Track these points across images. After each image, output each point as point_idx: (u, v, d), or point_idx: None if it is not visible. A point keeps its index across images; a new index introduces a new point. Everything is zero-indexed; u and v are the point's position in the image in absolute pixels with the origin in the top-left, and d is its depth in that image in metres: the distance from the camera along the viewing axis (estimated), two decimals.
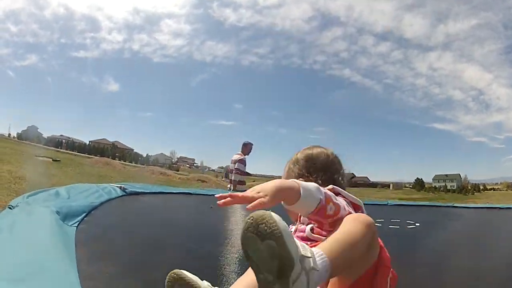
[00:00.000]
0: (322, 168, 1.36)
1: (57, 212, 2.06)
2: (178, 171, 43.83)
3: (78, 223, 2.16)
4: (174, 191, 4.67)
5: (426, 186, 62.74)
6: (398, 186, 68.18)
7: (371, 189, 58.64)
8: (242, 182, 6.18)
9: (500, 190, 55.57)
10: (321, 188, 1.04)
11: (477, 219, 4.75)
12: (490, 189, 58.34)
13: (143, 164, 48.19)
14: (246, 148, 6.34)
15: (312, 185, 1.02)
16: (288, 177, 1.37)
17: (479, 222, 4.60)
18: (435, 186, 62.82)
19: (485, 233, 3.72)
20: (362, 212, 1.17)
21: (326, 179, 1.33)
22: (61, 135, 65.84)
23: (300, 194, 0.97)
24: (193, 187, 19.51)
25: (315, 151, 1.42)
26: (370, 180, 70.78)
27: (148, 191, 4.13)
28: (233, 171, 6.21)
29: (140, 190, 3.96)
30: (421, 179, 65.59)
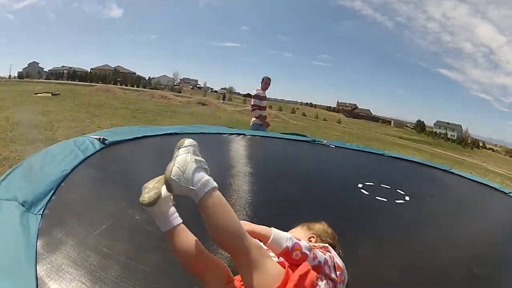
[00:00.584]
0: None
1: (23, 203, 1.88)
2: (180, 92, 43.51)
3: (43, 208, 1.93)
4: (160, 133, 4.12)
5: (426, 129, 62.78)
6: (399, 124, 68.41)
7: (372, 122, 58.86)
8: (259, 117, 6.53)
9: (499, 153, 55.82)
10: (295, 239, 1.31)
11: (476, 199, 4.38)
12: (489, 149, 58.57)
13: (145, 87, 47.55)
14: (262, 82, 6.61)
15: (285, 236, 1.31)
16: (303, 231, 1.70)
17: (478, 203, 4.27)
18: (435, 131, 62.84)
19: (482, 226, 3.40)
20: (341, 274, 1.41)
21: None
22: (63, 66, 65.08)
23: (268, 240, 1.28)
24: (193, 110, 19.97)
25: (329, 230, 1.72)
26: (372, 114, 70.70)
27: (131, 137, 3.61)
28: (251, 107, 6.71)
29: (121, 138, 3.46)
30: (423, 121, 65.48)
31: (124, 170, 2.92)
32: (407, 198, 3.50)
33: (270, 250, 1.33)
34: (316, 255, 1.33)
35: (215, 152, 4.04)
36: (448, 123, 64.48)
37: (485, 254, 2.60)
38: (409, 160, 5.79)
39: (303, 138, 5.82)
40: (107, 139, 3.19)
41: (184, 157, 1.20)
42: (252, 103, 6.70)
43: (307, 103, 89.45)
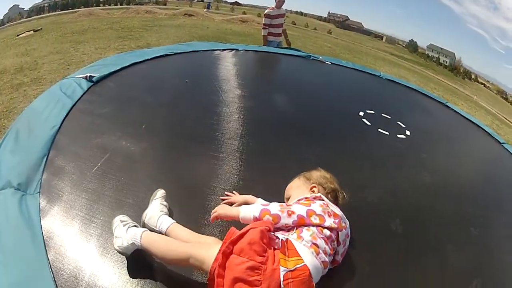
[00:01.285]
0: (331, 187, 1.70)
1: (18, 187, 1.78)
2: (165, 5, 40.40)
3: (39, 182, 1.85)
4: (148, 57, 3.64)
5: (419, 50, 61.85)
6: (391, 40, 66.82)
7: (364, 36, 57.17)
8: (271, 34, 6.40)
9: (491, 90, 55.95)
10: (262, 207, 1.48)
11: (472, 143, 4.24)
12: (481, 83, 58.65)
13: (129, 4, 42.86)
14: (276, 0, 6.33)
15: (252, 209, 1.48)
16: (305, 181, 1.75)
17: (473, 146, 4.14)
18: (428, 54, 62.04)
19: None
20: (340, 220, 1.51)
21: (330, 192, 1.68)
22: (43, 0, 55.72)
23: (239, 218, 1.48)
24: (180, 22, 18.57)
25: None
26: (364, 27, 68.50)
27: (119, 67, 3.19)
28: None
29: (108, 71, 3.04)
30: (416, 42, 64.21)
31: (118, 108, 2.65)
32: (407, 132, 3.37)
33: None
34: (292, 211, 1.45)
35: (207, 71, 3.72)
36: (441, 48, 63.42)
37: (476, 196, 2.77)
38: (406, 86, 5.56)
39: (298, 53, 5.41)
40: (94, 76, 2.88)
41: (117, 228, 1.52)
42: (263, 22, 6.45)
43: (297, 11, 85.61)
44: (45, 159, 1.98)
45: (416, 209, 2.30)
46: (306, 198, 1.60)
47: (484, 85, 58.00)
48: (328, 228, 1.45)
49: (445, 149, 3.46)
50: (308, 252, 1.34)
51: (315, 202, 1.54)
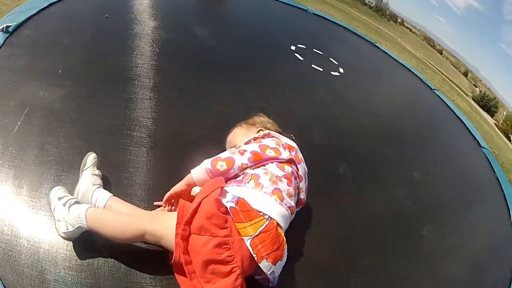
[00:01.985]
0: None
1: None
2: None
3: None
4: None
5: None
6: None
7: None
8: None
9: (417, 36, 58.34)
10: (210, 159, 1.30)
11: (402, 84, 4.28)
12: (408, 28, 60.88)
13: None
14: None
15: (202, 165, 1.28)
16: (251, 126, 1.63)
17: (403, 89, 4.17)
18: None
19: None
20: (296, 152, 1.44)
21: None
22: None
23: (194, 183, 1.29)
24: None
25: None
26: None
27: (35, 11, 2.52)
28: None
29: (25, 18, 2.42)
30: None
31: (35, 57, 2.08)
32: (341, 70, 3.24)
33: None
34: (244, 149, 1.34)
35: (129, 2, 3.06)
36: None
37: (414, 139, 2.90)
38: (334, 22, 5.38)
39: None
40: (10, 25, 2.29)
41: (57, 209, 1.21)
42: None
43: None
44: None
45: (361, 152, 2.30)
46: (254, 138, 1.48)
47: (411, 30, 60.69)
48: (286, 162, 1.35)
49: (380, 90, 3.45)
50: (271, 201, 1.22)
51: (265, 138, 1.45)
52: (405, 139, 2.79)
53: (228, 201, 1.16)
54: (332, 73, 3.11)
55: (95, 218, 1.16)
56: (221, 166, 1.27)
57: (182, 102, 1.98)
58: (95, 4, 2.91)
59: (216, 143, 1.63)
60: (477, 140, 3.63)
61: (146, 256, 1.23)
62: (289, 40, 3.41)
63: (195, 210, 1.10)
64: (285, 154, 1.36)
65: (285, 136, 1.55)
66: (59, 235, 1.17)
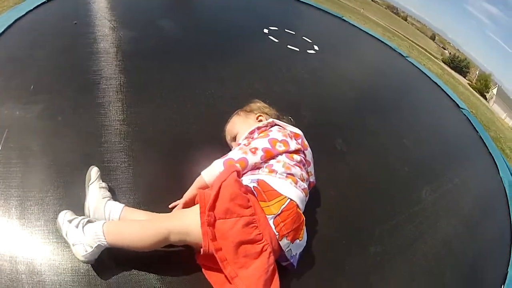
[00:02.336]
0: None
1: None
2: None
3: None
4: (31, 7, 2.63)
5: None
6: None
7: None
8: None
9: (380, 5, 58.59)
10: (223, 159, 1.28)
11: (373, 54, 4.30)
12: None
13: None
14: None
15: (214, 168, 1.26)
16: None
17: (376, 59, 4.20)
18: None
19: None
20: (302, 139, 1.45)
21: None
22: None
23: (207, 185, 1.25)
24: None
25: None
26: None
27: (3, 28, 2.32)
28: None
29: None
30: None
31: (6, 76, 1.91)
32: (316, 47, 3.23)
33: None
34: (255, 147, 1.32)
35: (97, 6, 2.89)
36: None
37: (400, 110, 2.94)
38: (299, 1, 5.32)
39: None
40: None
41: (70, 233, 1.11)
42: None
43: None
44: None
45: (352, 126, 2.35)
46: (258, 128, 1.46)
47: (372, 0, 61.03)
48: (295, 152, 1.37)
49: (356, 63, 3.49)
50: (286, 184, 1.23)
51: (271, 130, 1.44)
52: (389, 108, 2.86)
53: (248, 183, 1.18)
54: (308, 51, 3.11)
55: (114, 231, 1.10)
56: (234, 166, 1.25)
57: (168, 99, 1.91)
58: (60, 12, 2.80)
59: (211, 137, 1.63)
60: (456, 102, 3.73)
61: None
62: (260, 24, 3.37)
63: (216, 195, 1.09)
64: (293, 145, 1.36)
65: (284, 120, 1.56)
66: (79, 259, 1.09)
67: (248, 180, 1.22)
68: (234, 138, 1.55)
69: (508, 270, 1.80)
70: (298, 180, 1.27)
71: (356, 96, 2.74)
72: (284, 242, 1.13)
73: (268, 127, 1.47)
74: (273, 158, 1.31)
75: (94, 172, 1.28)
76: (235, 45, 2.85)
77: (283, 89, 2.41)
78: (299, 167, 1.32)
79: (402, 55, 4.46)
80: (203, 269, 1.15)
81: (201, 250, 1.07)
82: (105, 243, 1.07)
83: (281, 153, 1.32)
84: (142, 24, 2.67)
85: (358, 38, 4.57)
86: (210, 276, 1.13)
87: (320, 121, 2.21)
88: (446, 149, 2.71)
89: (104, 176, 1.34)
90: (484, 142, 3.11)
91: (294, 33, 3.40)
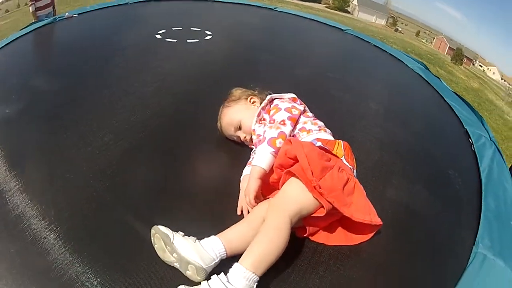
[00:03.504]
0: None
1: None
2: None
3: None
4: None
5: None
6: None
7: None
8: (39, 8, 5.81)
9: None
10: (265, 143, 1.34)
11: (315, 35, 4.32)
12: None
13: None
14: None
15: (263, 152, 1.32)
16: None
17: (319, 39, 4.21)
18: None
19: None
20: (299, 100, 1.61)
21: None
22: None
23: (264, 171, 1.30)
24: None
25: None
26: None
27: None
28: None
29: None
30: None
31: None
32: (209, 34, 3.44)
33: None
34: (282, 120, 1.43)
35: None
36: None
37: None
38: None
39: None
40: None
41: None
42: None
43: None
44: None
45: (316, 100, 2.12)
46: (263, 108, 1.59)
47: None
48: (304, 111, 1.56)
49: (288, 45, 3.63)
50: (325, 134, 1.47)
51: (277, 104, 1.55)
52: (346, 79, 2.90)
53: (315, 143, 1.36)
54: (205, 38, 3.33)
55: (257, 261, 1.05)
56: (280, 143, 1.33)
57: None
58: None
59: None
60: (338, 27, 4.26)
61: None
62: (154, 28, 3.47)
63: (309, 162, 1.18)
64: (301, 107, 1.53)
65: (267, 93, 1.68)
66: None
67: (308, 141, 1.38)
68: (238, 127, 1.64)
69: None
70: (325, 128, 1.51)
71: (302, 73, 2.82)
72: (354, 172, 1.36)
73: (271, 103, 1.60)
74: (298, 123, 1.47)
75: (163, 230, 1.14)
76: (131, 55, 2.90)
77: (193, 81, 2.48)
78: (316, 119, 1.54)
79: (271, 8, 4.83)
80: (311, 238, 1.30)
81: (318, 212, 1.19)
82: (258, 277, 1.03)
83: (299, 116, 1.48)
84: None
85: (279, 18, 4.63)
86: (318, 237, 1.30)
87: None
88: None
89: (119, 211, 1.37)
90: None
91: (199, 29, 3.53)
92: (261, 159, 1.31)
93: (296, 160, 1.22)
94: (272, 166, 1.30)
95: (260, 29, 3.95)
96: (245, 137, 1.63)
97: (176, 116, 2.02)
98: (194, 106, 2.14)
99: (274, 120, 1.45)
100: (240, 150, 1.69)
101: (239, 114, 1.64)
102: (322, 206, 1.17)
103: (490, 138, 2.29)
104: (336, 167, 1.24)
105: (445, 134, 2.35)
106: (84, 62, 2.68)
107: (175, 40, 3.21)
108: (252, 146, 1.60)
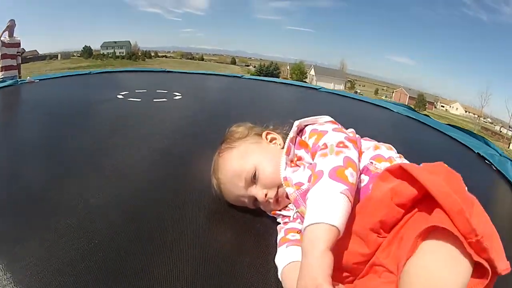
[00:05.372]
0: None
1: None
2: None
3: None
4: None
5: (94, 53, 63.07)
6: (66, 55, 65.27)
7: (40, 62, 54.40)
8: (9, 67, 5.51)
9: (174, 58, 63.56)
10: (328, 177, 0.76)
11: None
12: (162, 56, 65.71)
13: None
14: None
15: (335, 199, 0.72)
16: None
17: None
18: (103, 53, 63.80)
19: None
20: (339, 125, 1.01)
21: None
22: None
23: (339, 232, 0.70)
24: None
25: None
26: (39, 53, 64.71)
27: None
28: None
29: None
30: (89, 46, 64.83)
31: None
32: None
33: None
34: (340, 142, 0.88)
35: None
36: (115, 42, 65.37)
37: None
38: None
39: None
40: None
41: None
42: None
43: None
44: None
45: None
46: (291, 140, 1.02)
47: (166, 56, 66.01)
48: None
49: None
50: (409, 162, 0.94)
51: (316, 127, 1.00)
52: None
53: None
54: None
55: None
56: (352, 175, 0.79)
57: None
58: None
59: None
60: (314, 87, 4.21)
61: None
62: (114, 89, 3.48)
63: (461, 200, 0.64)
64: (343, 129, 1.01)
65: (284, 127, 1.17)
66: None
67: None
68: (253, 179, 1.01)
69: None
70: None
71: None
72: None
73: (302, 132, 1.06)
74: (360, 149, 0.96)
75: None
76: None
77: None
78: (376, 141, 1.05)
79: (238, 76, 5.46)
80: None
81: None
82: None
83: (357, 140, 0.97)
84: None
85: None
86: None
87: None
88: None
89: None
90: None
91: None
92: (327, 208, 0.72)
93: (407, 210, 0.73)
94: (350, 228, 0.75)
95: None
96: (266, 196, 0.99)
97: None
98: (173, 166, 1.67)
99: (325, 145, 0.89)
100: (255, 223, 1.10)
101: (253, 156, 1.04)
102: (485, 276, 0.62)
103: (500, 154, 2.28)
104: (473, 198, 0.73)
105: (463, 163, 2.17)
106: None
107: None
108: (280, 212, 1.03)
